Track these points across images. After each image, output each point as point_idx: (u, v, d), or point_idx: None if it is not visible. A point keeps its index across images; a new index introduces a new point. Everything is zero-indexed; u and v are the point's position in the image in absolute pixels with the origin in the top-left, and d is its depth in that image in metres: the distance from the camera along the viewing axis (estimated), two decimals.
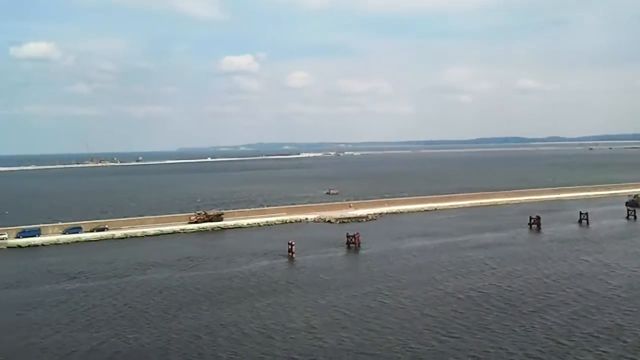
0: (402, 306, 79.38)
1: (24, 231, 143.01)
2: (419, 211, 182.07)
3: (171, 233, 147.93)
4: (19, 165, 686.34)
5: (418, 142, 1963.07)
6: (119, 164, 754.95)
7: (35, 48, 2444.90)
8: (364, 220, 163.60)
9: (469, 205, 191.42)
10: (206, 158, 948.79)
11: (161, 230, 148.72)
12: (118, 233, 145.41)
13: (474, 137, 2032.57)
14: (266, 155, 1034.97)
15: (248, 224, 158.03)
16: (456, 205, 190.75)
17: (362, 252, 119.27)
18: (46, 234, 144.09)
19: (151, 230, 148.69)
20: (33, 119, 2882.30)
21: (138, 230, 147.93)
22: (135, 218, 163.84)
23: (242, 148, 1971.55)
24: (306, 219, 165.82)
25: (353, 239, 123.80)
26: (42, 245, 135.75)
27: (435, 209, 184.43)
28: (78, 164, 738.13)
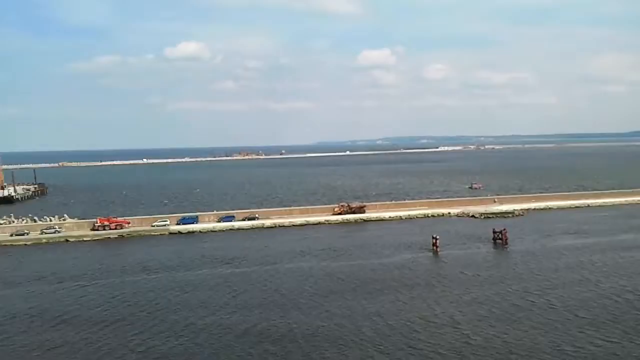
0: (552, 306, 76.25)
1: (183, 219, 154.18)
2: (569, 207, 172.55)
3: (316, 224, 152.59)
4: (174, 158, 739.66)
5: (564, 135, 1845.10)
6: (263, 157, 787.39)
7: (187, 48, 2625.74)
8: (510, 215, 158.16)
9: (625, 202, 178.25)
10: (345, 152, 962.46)
11: (307, 221, 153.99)
12: (267, 222, 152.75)
13: (629, 130, 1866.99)
14: (404, 149, 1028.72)
15: (390, 217, 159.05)
16: (611, 202, 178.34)
17: (509, 248, 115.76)
18: (203, 222, 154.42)
19: (298, 220, 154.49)
20: (186, 115, 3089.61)
21: (285, 220, 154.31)
22: (282, 209, 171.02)
23: (378, 142, 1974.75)
24: (449, 213, 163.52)
25: (500, 235, 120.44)
26: (200, 232, 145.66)
27: (588, 206, 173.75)
28: (227, 156, 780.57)
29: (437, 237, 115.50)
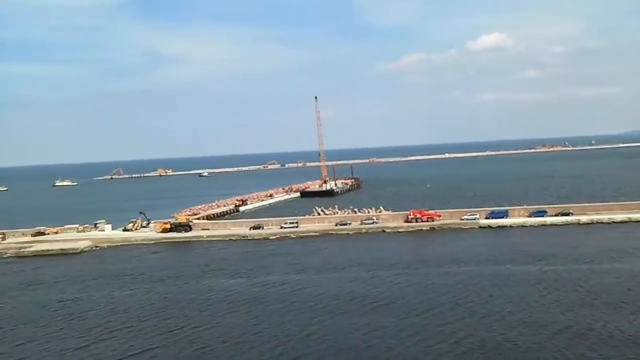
0: None
1: (492, 212, 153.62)
2: None
3: (638, 221, 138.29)
4: (476, 152, 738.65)
5: None
6: (570, 148, 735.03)
7: (489, 39, 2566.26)
8: None
9: None
10: None
11: (629, 217, 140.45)
12: (583, 218, 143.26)
13: None
14: None
15: None
16: None
17: None
18: (512, 216, 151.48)
19: (618, 217, 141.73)
20: (487, 107, 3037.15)
21: (604, 217, 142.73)
22: (599, 204, 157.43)
23: None
24: None
25: None
26: (510, 226, 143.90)
27: None
28: (529, 149, 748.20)
29: None
